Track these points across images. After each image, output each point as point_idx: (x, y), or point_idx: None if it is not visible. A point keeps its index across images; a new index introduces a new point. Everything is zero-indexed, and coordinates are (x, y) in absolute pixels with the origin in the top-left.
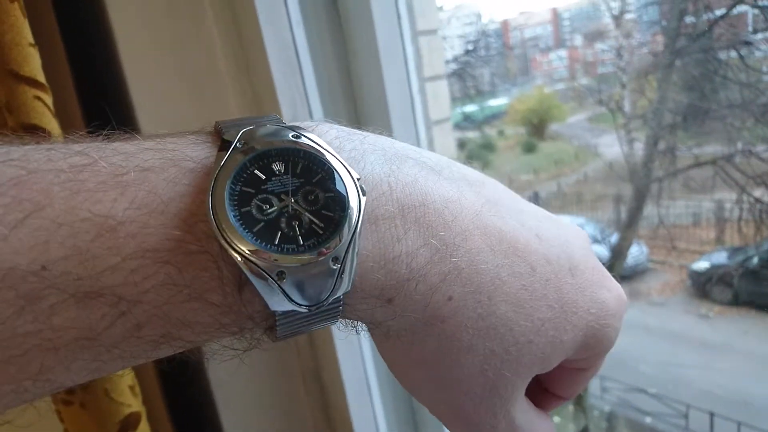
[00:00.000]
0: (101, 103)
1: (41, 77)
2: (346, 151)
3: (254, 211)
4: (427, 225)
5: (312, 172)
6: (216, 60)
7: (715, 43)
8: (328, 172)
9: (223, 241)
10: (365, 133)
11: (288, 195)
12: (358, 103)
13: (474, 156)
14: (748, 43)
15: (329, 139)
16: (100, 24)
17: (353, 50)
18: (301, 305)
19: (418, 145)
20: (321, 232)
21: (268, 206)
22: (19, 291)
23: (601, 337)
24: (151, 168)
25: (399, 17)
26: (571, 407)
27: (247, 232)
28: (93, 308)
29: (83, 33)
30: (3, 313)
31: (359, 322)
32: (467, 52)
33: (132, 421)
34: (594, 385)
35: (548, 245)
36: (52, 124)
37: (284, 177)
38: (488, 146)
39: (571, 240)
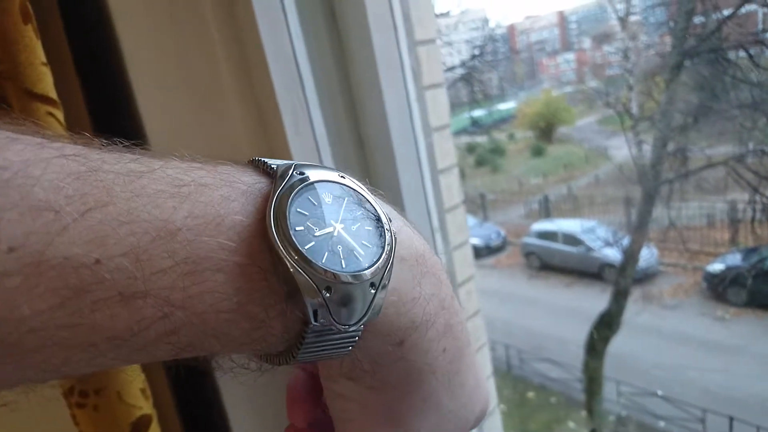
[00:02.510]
0: (110, 118)
1: (53, 94)
2: (372, 196)
3: (306, 231)
4: (436, 277)
5: (356, 207)
6: (220, 73)
7: (725, 43)
8: (369, 209)
9: (281, 251)
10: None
11: (336, 222)
12: (357, 111)
13: (483, 160)
14: (758, 42)
15: None
16: (108, 43)
17: (352, 61)
18: (337, 323)
19: (417, 151)
20: (361, 259)
21: (317, 229)
22: (68, 281)
23: (484, 417)
24: (207, 184)
25: (395, 29)
26: (584, 412)
27: (302, 247)
28: (137, 308)
29: (93, 52)
30: (45, 303)
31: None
32: (474, 56)
33: (143, 423)
34: (609, 390)
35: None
36: None
37: (332, 207)
38: (497, 150)
39: None
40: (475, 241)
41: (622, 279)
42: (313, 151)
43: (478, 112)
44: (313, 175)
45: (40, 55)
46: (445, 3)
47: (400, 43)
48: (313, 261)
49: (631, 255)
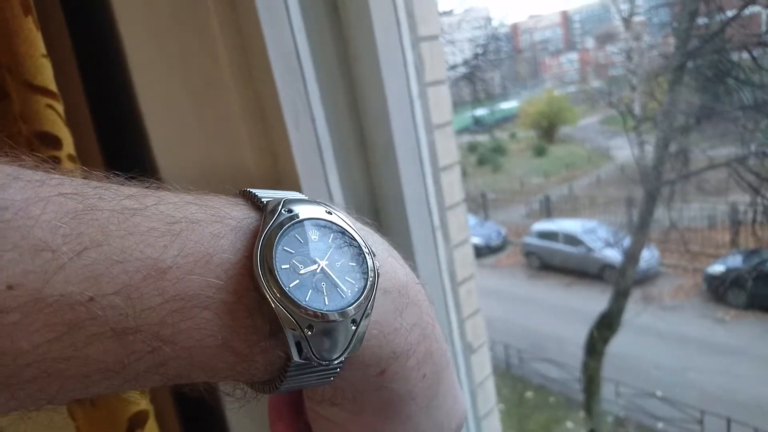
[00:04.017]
0: (110, 111)
1: (53, 86)
2: (357, 230)
3: (291, 269)
4: (418, 306)
5: (341, 242)
6: (221, 67)
7: (728, 45)
8: (354, 246)
9: (266, 290)
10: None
11: (321, 259)
12: (359, 107)
13: (485, 159)
14: (761, 44)
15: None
16: (109, 36)
17: (354, 56)
18: (318, 359)
19: (419, 147)
20: (343, 296)
21: (303, 266)
22: (64, 318)
23: (461, 429)
24: (198, 221)
25: (399, 24)
26: (582, 413)
27: (286, 286)
28: (128, 343)
29: (93, 44)
30: (42, 338)
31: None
32: (477, 55)
33: (140, 418)
34: (608, 390)
35: None
36: (64, 132)
37: (318, 244)
38: (499, 149)
39: None
40: (476, 240)
41: (623, 280)
42: (314, 147)
43: (480, 111)
44: (301, 212)
45: (40, 47)
46: (448, 1)
47: (403, 39)
48: (296, 300)
49: (631, 256)
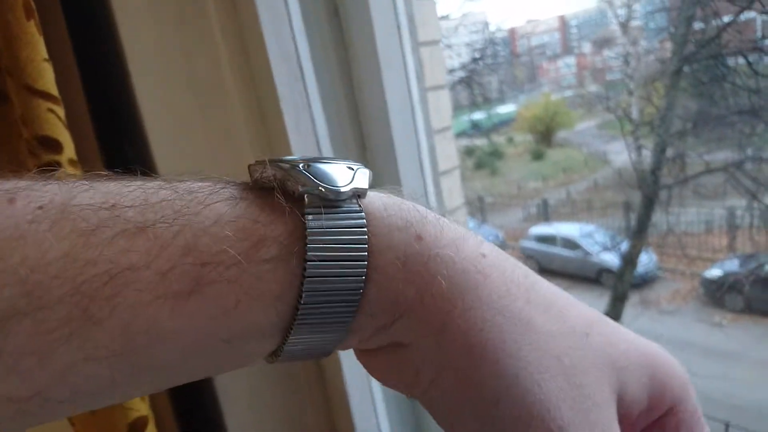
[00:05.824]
0: (111, 115)
1: (54, 91)
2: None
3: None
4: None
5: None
6: (222, 71)
7: (724, 50)
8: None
9: (263, 163)
10: None
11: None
12: (359, 112)
13: (482, 163)
14: (756, 49)
15: None
16: (110, 40)
17: (354, 60)
18: (326, 185)
19: (419, 152)
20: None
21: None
22: (90, 221)
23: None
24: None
25: (399, 28)
26: None
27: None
28: (151, 233)
29: (94, 48)
30: (70, 243)
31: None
32: (474, 60)
33: (139, 425)
34: None
35: None
36: (64, 135)
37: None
38: (496, 153)
39: None
40: None
41: (620, 284)
42: (315, 151)
43: (477, 115)
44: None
45: (42, 51)
46: (445, 5)
47: (404, 44)
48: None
49: (629, 260)
